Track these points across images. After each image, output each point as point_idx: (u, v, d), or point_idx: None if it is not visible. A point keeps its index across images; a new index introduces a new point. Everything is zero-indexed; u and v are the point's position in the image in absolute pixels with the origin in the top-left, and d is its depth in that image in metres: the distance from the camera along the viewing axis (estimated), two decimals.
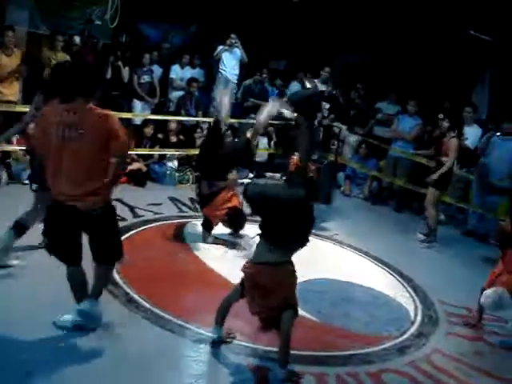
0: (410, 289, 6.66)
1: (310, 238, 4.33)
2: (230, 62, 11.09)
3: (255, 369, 4.38)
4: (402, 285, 6.77)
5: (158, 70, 10.88)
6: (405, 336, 5.43)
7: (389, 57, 12.63)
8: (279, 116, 8.02)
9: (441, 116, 9.67)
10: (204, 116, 10.64)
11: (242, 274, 4.35)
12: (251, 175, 10.70)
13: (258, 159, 11.28)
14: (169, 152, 9.72)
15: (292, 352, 4.25)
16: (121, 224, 6.97)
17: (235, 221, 6.99)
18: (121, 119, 9.29)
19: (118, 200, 7.84)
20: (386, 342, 5.22)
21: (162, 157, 9.81)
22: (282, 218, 4.18)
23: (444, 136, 8.50)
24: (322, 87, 11.57)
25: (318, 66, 11.68)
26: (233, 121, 10.28)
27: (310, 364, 4.59)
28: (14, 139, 8.26)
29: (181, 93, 10.88)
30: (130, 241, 6.61)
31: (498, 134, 9.18)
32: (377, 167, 10.90)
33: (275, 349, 4.34)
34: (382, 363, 4.84)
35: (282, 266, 4.22)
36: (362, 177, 11.07)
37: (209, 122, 7.26)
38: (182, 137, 10.03)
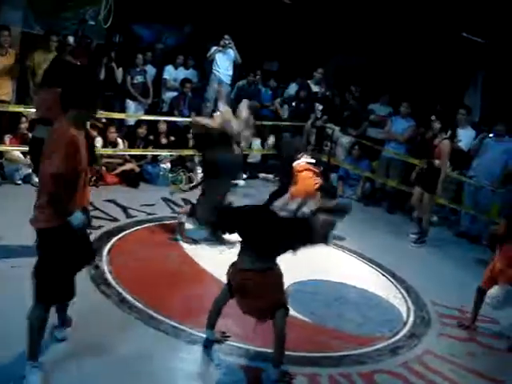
0: (402, 290, 6.67)
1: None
2: (223, 63, 11.08)
3: (248, 369, 4.38)
4: (395, 286, 6.79)
5: (151, 70, 10.87)
6: (397, 337, 5.45)
7: (382, 58, 12.67)
8: None
9: (433, 117, 9.70)
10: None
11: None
12: (245, 176, 10.69)
13: (251, 160, 11.31)
14: (162, 153, 9.70)
15: (286, 353, 4.25)
16: (114, 225, 7.00)
17: None
18: (114, 119, 9.43)
19: (111, 201, 7.86)
20: (379, 343, 5.24)
21: (156, 157, 9.79)
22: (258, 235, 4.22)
23: (435, 137, 8.52)
24: (315, 88, 11.63)
25: (311, 67, 11.72)
26: None
27: (303, 365, 4.60)
28: (7, 139, 8.24)
29: (174, 93, 10.88)
30: (123, 241, 6.61)
31: (491, 135, 9.21)
32: (370, 168, 10.91)
33: (268, 349, 4.35)
34: (375, 364, 4.86)
35: (268, 270, 4.24)
36: (354, 178, 11.08)
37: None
38: (172, 138, 10.01)
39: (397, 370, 4.80)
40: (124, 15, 10.71)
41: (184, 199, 8.38)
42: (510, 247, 5.58)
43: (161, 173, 9.49)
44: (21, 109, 8.21)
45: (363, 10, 11.57)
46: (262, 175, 11.24)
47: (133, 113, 10.27)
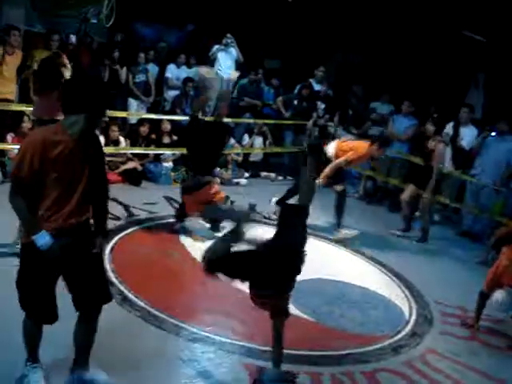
0: (404, 289, 6.67)
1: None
2: (225, 62, 11.08)
3: (250, 368, 4.38)
4: (397, 285, 6.78)
5: (154, 69, 10.87)
6: (399, 336, 5.44)
7: (384, 57, 12.65)
8: None
9: (435, 116, 9.70)
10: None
11: None
12: (247, 175, 10.70)
13: (253, 159, 11.31)
14: (164, 151, 9.70)
15: (287, 351, 4.24)
16: (116, 223, 6.99)
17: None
18: (116, 118, 9.42)
19: (113, 199, 7.84)
20: (381, 342, 5.23)
21: (158, 156, 9.79)
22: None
23: (428, 138, 8.56)
24: (316, 87, 11.62)
25: (312, 65, 11.72)
26: (228, 120, 10.27)
27: (305, 363, 4.60)
28: (10, 138, 8.25)
29: (176, 92, 10.88)
30: (125, 240, 6.61)
31: (493, 134, 9.20)
32: (371, 167, 10.89)
33: (270, 348, 4.34)
34: (377, 363, 4.85)
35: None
36: (356, 176, 11.07)
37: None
38: (175, 137, 10.01)
39: (399, 368, 4.80)
40: (126, 14, 10.71)
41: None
42: None
43: (163, 171, 9.49)
44: (23, 108, 8.21)
45: (365, 8, 11.56)
46: (263, 174, 11.24)
47: (135, 111, 10.27)
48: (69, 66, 6.00)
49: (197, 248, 6.71)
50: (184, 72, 11.11)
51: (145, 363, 4.14)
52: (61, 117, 5.37)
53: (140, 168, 9.40)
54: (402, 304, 6.24)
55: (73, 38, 10.02)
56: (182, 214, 7.18)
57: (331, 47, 13.15)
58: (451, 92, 11.68)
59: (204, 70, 8.90)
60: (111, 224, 6.98)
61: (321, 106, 11.61)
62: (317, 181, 7.46)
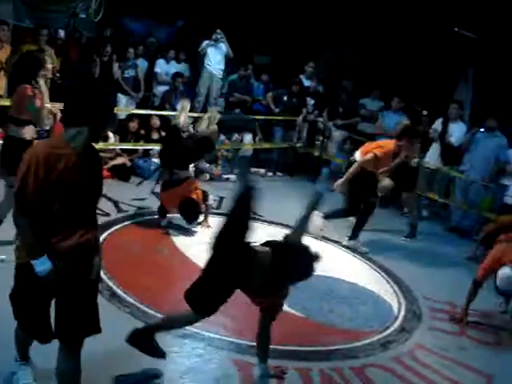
0: (393, 284, 6.70)
1: None
2: (215, 57, 11.07)
3: (239, 364, 4.38)
4: (386, 280, 6.81)
5: (143, 64, 10.83)
6: (388, 331, 5.46)
7: (374, 53, 12.66)
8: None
9: (425, 112, 9.72)
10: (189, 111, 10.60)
11: None
12: (237, 170, 10.68)
13: (243, 154, 11.30)
14: (153, 147, 9.67)
15: (276, 347, 4.26)
16: (105, 219, 6.96)
17: (188, 212, 7.04)
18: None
19: (102, 195, 7.81)
20: (370, 337, 5.25)
21: (147, 152, 9.76)
22: None
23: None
24: (306, 82, 11.62)
25: (303, 61, 11.70)
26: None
27: (294, 359, 4.61)
28: None
29: (166, 87, 10.84)
30: (114, 235, 6.58)
31: (482, 130, 9.23)
32: None
33: (255, 343, 4.33)
34: (366, 358, 4.86)
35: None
36: (343, 172, 11.06)
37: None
38: (164, 133, 9.98)
39: (388, 364, 4.82)
40: (115, 9, 10.67)
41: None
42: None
43: (152, 167, 9.45)
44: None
45: (355, 4, 11.57)
46: (253, 170, 11.22)
47: (124, 107, 10.23)
48: (49, 62, 5.93)
49: (186, 244, 6.72)
50: (173, 67, 11.09)
51: (134, 359, 4.12)
52: (25, 117, 5.34)
53: (129, 164, 9.36)
54: (391, 299, 6.26)
55: (61, 33, 9.97)
56: (162, 211, 7.19)
57: (322, 43, 13.14)
58: (440, 87, 11.70)
59: (203, 127, 8.39)
60: (100, 220, 6.96)
61: (310, 101, 11.61)
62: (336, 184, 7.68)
